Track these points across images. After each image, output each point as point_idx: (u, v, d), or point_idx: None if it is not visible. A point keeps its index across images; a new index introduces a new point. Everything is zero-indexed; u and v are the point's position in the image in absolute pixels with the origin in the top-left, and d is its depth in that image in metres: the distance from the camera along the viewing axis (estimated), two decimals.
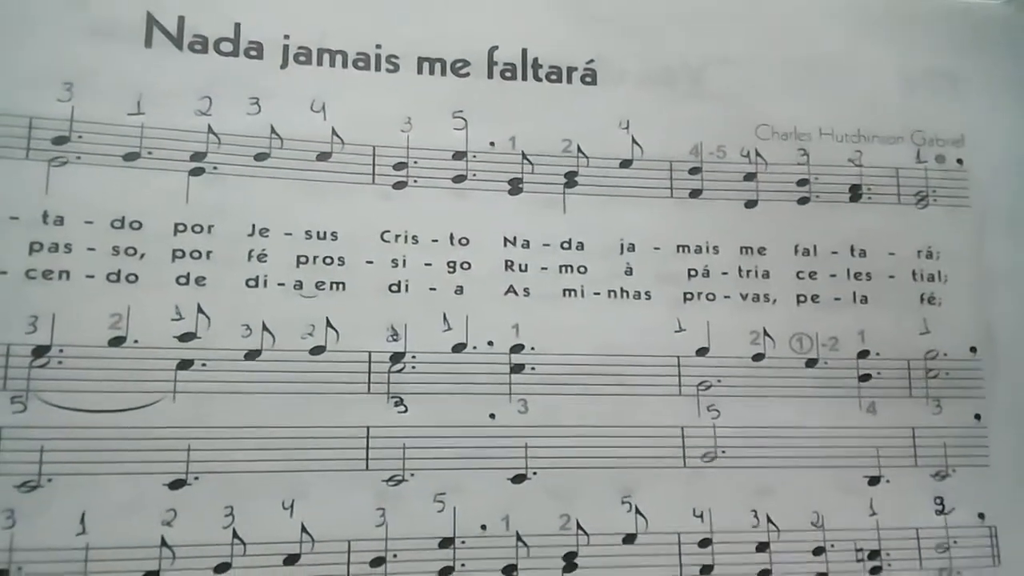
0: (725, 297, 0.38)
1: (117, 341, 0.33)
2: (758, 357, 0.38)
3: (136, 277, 0.34)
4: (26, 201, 0.34)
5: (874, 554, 0.37)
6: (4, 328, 0.33)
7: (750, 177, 0.39)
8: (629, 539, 0.36)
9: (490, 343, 0.36)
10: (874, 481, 0.38)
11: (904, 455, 0.38)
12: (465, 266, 0.37)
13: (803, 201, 0.40)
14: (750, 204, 0.39)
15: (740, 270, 0.39)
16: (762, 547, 0.36)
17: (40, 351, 0.33)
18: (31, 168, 0.34)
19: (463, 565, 0.34)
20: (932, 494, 0.38)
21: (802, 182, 0.40)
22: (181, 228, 0.35)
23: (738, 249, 0.39)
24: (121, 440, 0.33)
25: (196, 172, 0.35)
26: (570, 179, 0.38)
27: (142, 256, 0.34)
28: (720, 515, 0.36)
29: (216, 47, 0.36)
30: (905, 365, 0.39)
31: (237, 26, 0.37)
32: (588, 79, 0.39)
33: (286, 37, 0.37)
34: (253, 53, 0.37)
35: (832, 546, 0.37)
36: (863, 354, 0.39)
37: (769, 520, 0.37)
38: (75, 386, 0.33)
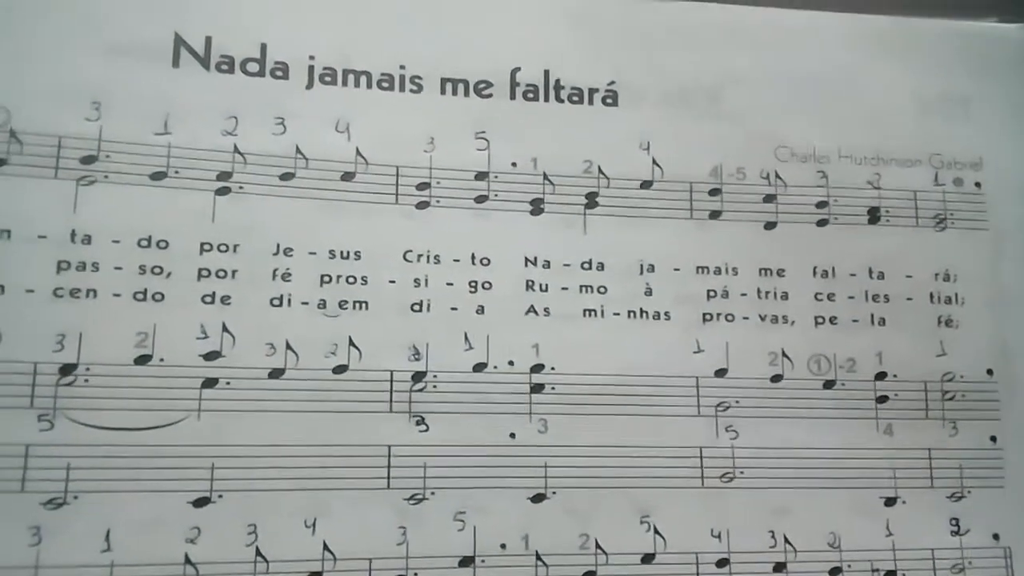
0: (744, 318, 0.38)
1: (143, 359, 0.34)
2: (776, 378, 0.38)
3: (162, 296, 0.34)
4: (54, 220, 0.34)
5: (890, 574, 0.37)
6: (31, 346, 0.33)
7: (769, 199, 0.40)
8: (648, 559, 0.36)
9: (510, 363, 0.36)
10: (890, 502, 0.38)
11: (920, 476, 0.38)
12: (486, 286, 0.37)
13: (822, 223, 0.40)
14: (769, 226, 0.39)
15: (759, 291, 0.39)
16: (779, 567, 0.37)
17: (67, 369, 0.33)
18: (59, 187, 0.34)
19: None
20: (948, 515, 0.38)
21: (821, 204, 0.40)
22: (207, 247, 0.35)
23: (757, 270, 0.39)
24: (146, 458, 0.33)
25: (222, 192, 0.35)
26: (591, 200, 0.38)
27: (168, 275, 0.34)
28: (738, 535, 0.37)
29: (243, 67, 0.37)
30: (922, 387, 0.39)
31: (263, 47, 0.37)
32: (609, 100, 0.39)
33: (311, 58, 0.37)
34: (279, 73, 0.37)
35: (849, 567, 0.37)
36: (880, 376, 0.39)
37: (786, 540, 0.37)
38: (101, 404, 0.33)
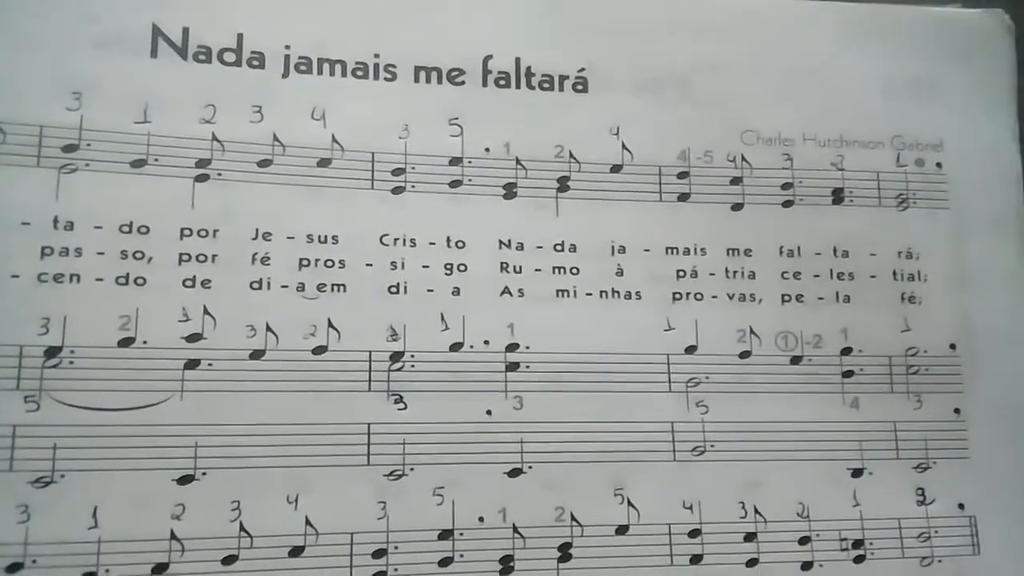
0: (713, 297, 0.39)
1: (126, 342, 0.34)
2: (745, 355, 0.39)
3: (144, 280, 0.35)
4: (37, 207, 0.34)
5: (858, 543, 0.38)
6: (17, 330, 0.33)
7: (736, 181, 0.40)
8: (622, 530, 0.37)
9: (486, 342, 0.37)
10: (857, 473, 0.39)
11: (886, 448, 0.39)
12: (462, 268, 0.38)
13: (787, 204, 0.41)
14: (736, 207, 0.40)
15: (727, 271, 0.40)
16: (750, 537, 0.37)
17: (52, 352, 0.33)
18: (42, 175, 0.35)
19: (462, 556, 0.35)
20: (913, 485, 0.39)
21: (786, 186, 0.41)
22: (187, 232, 0.36)
23: (725, 251, 0.40)
24: (131, 437, 0.33)
25: (201, 178, 0.36)
26: (563, 184, 0.39)
27: (150, 260, 0.35)
28: (709, 507, 0.37)
29: (220, 57, 0.37)
30: (887, 362, 0.40)
31: (240, 36, 0.37)
32: (580, 87, 0.40)
33: (287, 47, 0.38)
34: (255, 63, 0.37)
35: (817, 536, 0.38)
36: (846, 351, 0.40)
37: (756, 511, 0.38)
38: (86, 385, 0.33)
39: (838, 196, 0.41)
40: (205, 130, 0.36)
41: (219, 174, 0.36)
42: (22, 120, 0.35)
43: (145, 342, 0.34)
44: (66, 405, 0.33)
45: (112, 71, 0.36)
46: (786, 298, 0.40)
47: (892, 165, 0.42)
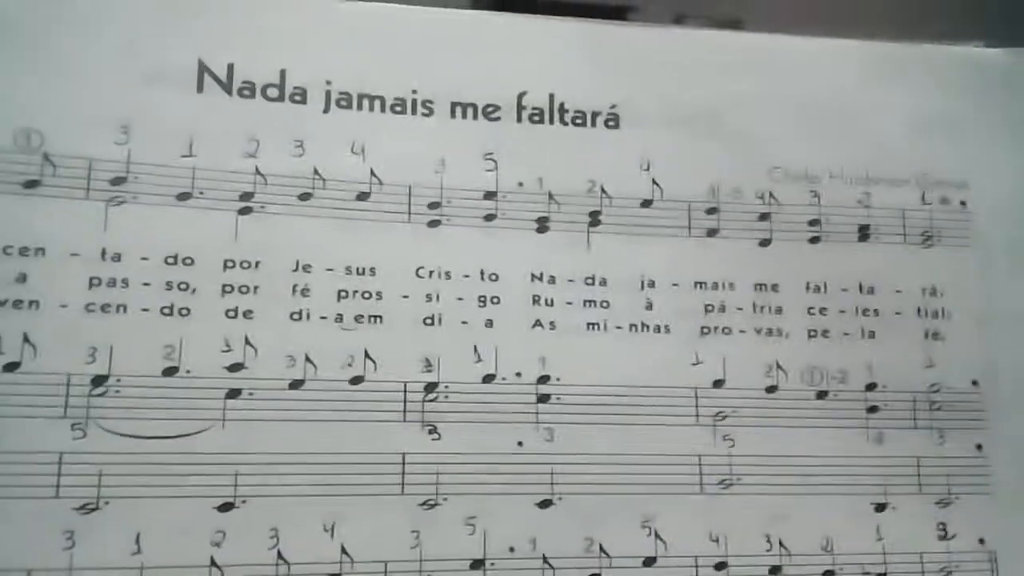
0: (740, 331, 0.39)
1: (170, 371, 0.35)
2: (771, 389, 0.39)
3: (188, 311, 0.35)
4: (86, 239, 0.35)
5: None
6: (65, 359, 0.34)
7: (764, 217, 0.41)
8: (649, 562, 0.37)
9: (518, 374, 0.37)
10: (881, 508, 0.39)
11: (909, 483, 0.39)
12: (495, 300, 0.38)
13: (814, 240, 0.41)
14: (764, 243, 0.41)
15: (755, 306, 0.40)
16: (775, 570, 0.37)
17: (98, 380, 0.34)
18: (91, 207, 0.35)
19: None
20: (935, 520, 0.39)
21: (813, 222, 0.41)
22: (230, 264, 0.36)
23: (753, 286, 0.40)
24: (174, 465, 0.34)
25: (244, 211, 0.36)
26: (594, 218, 0.39)
27: (194, 291, 0.35)
28: (735, 539, 0.37)
29: (263, 92, 0.38)
30: (911, 397, 0.40)
31: (283, 72, 0.38)
32: (611, 123, 0.40)
33: (328, 83, 0.38)
34: (298, 98, 0.38)
35: (841, 569, 0.38)
36: (871, 387, 0.40)
37: (781, 544, 0.38)
38: (131, 414, 0.34)
39: (864, 233, 0.41)
40: (249, 164, 0.37)
41: (261, 207, 0.37)
42: (72, 153, 0.35)
43: (188, 371, 0.35)
44: (112, 433, 0.34)
45: (159, 106, 0.36)
46: (812, 333, 0.40)
47: (917, 202, 0.42)
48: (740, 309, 0.40)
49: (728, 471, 0.38)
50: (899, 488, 0.39)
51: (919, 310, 0.41)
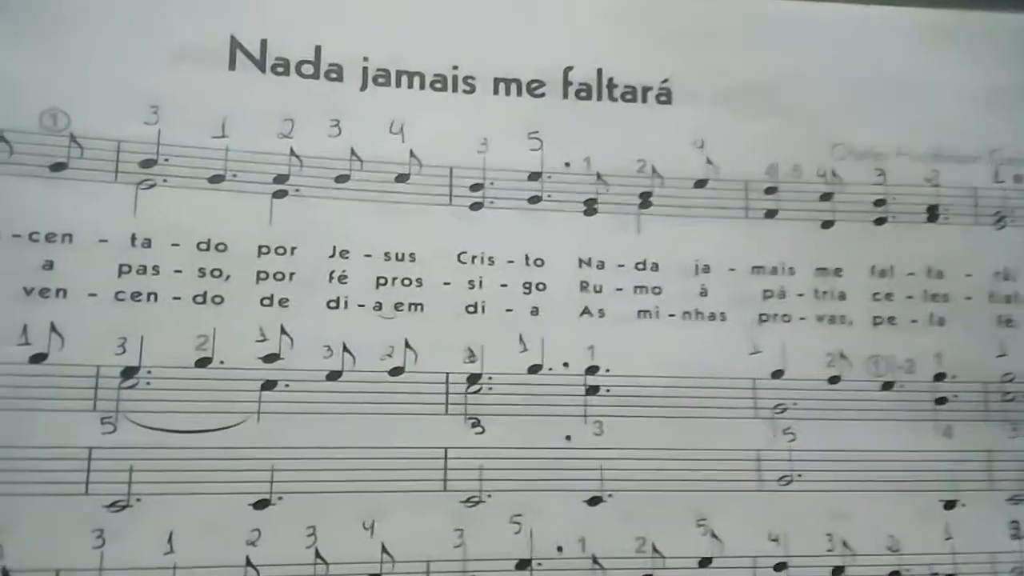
0: (801, 319, 0.38)
1: (203, 362, 0.34)
2: (834, 379, 0.38)
3: (221, 299, 0.35)
4: (115, 224, 0.34)
5: None
6: (94, 350, 0.33)
7: (826, 197, 0.39)
8: (705, 562, 0.36)
9: (565, 364, 0.36)
10: (950, 505, 0.37)
11: (980, 479, 0.38)
12: (540, 287, 0.37)
13: (880, 221, 0.39)
14: (826, 224, 0.39)
15: (816, 291, 0.38)
16: (838, 571, 0.36)
17: (129, 372, 0.33)
18: (119, 191, 0.34)
19: None
20: (1008, 518, 0.38)
21: (879, 202, 0.39)
22: (264, 250, 0.35)
23: (814, 270, 0.39)
24: (207, 460, 0.33)
25: (279, 195, 0.36)
26: (645, 199, 0.38)
27: (227, 278, 0.35)
28: (796, 539, 0.36)
29: (298, 70, 0.37)
30: (982, 388, 0.39)
31: (318, 49, 0.37)
32: (663, 98, 0.39)
33: (365, 59, 0.37)
34: (333, 75, 0.37)
35: (908, 571, 0.37)
36: (939, 376, 0.38)
37: (845, 544, 0.37)
38: (163, 407, 0.33)
39: (933, 213, 0.40)
40: (283, 145, 0.36)
41: (297, 190, 0.36)
42: (100, 135, 0.35)
43: (222, 362, 0.34)
44: (143, 427, 0.33)
45: (190, 84, 0.36)
46: (878, 320, 0.39)
47: (989, 181, 0.40)
48: (800, 295, 0.38)
49: (788, 467, 0.37)
50: (969, 484, 0.38)
51: (991, 295, 0.40)
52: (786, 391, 0.37)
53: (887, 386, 0.38)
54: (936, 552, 0.37)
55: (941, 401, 0.38)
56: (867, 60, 0.40)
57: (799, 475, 0.37)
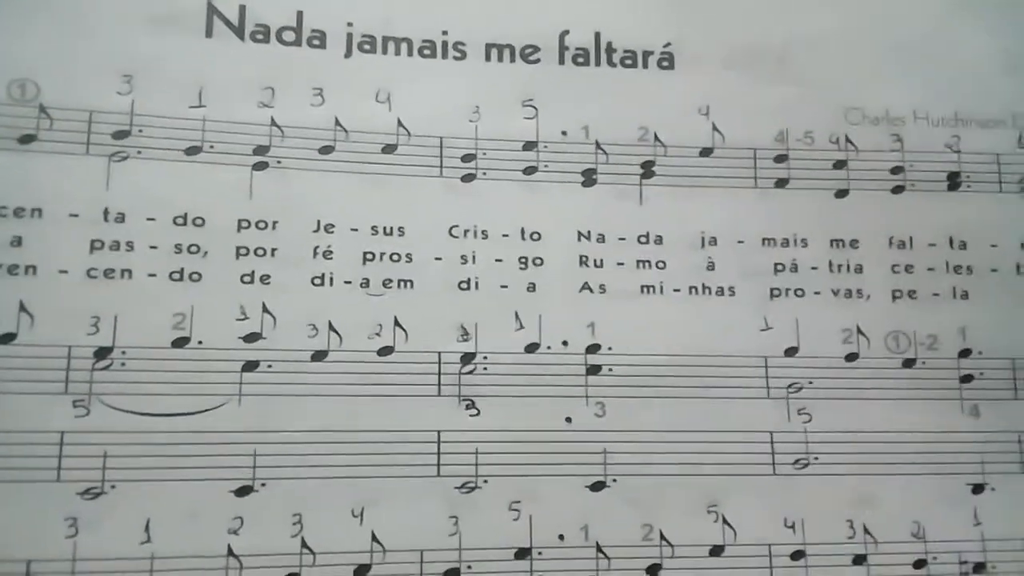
0: (815, 293, 0.37)
1: (181, 342, 0.33)
2: (851, 357, 0.36)
3: (199, 276, 0.34)
4: (86, 198, 0.33)
5: (979, 567, 0.36)
6: (65, 329, 0.32)
7: (840, 165, 0.38)
8: (716, 551, 0.34)
9: (565, 343, 0.35)
10: (978, 489, 0.36)
11: (1010, 461, 0.36)
12: (537, 262, 0.36)
13: (897, 190, 0.38)
14: (840, 194, 0.38)
15: (831, 264, 0.37)
16: (859, 560, 0.35)
17: (102, 353, 0.32)
18: (91, 163, 0.34)
19: None
20: None
21: (896, 170, 0.38)
22: (245, 224, 0.34)
23: (828, 242, 0.37)
24: (185, 445, 0.32)
25: (259, 166, 0.35)
26: (647, 169, 0.37)
27: (205, 254, 0.34)
28: (813, 525, 0.35)
29: (278, 36, 0.36)
30: (1010, 364, 0.37)
31: (300, 14, 0.36)
32: (665, 63, 0.38)
33: (349, 25, 0.36)
34: (316, 42, 0.36)
35: (935, 558, 0.35)
36: (964, 353, 0.37)
37: (866, 531, 0.35)
38: (138, 388, 0.32)
39: (954, 181, 0.38)
40: (263, 114, 0.35)
41: (278, 162, 0.35)
42: (70, 105, 0.34)
43: (200, 342, 0.33)
44: (117, 410, 0.32)
45: (165, 52, 0.35)
46: (897, 294, 0.37)
47: (1013, 146, 0.39)
48: (814, 268, 0.37)
49: (804, 449, 0.36)
50: (998, 466, 0.36)
51: (1018, 266, 0.38)
52: (800, 369, 0.36)
53: (908, 363, 0.37)
54: (964, 539, 0.36)
55: (967, 379, 0.37)
56: (882, 20, 0.39)
57: (815, 458, 0.35)
